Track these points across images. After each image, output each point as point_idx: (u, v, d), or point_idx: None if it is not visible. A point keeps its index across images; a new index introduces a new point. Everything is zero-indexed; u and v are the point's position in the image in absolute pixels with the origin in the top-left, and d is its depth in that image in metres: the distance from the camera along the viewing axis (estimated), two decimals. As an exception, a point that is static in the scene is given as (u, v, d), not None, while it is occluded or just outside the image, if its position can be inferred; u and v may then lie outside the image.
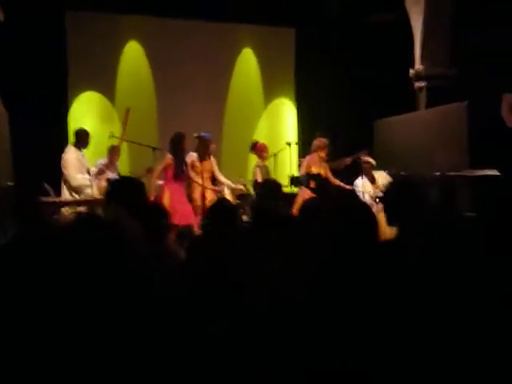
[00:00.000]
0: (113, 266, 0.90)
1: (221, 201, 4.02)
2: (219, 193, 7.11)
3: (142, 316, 0.89)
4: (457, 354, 1.72)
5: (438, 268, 1.89)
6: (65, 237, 0.93)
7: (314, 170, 7.23)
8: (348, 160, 7.69)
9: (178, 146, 6.74)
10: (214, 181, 7.22)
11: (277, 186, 4.47)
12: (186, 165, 6.78)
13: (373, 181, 7.45)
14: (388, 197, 2.89)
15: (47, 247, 0.91)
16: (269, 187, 4.53)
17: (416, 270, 1.92)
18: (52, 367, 0.85)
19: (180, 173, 6.73)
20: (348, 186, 7.41)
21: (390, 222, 2.82)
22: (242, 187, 7.28)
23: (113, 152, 7.22)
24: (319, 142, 7.28)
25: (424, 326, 1.74)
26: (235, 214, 3.24)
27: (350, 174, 7.59)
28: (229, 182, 7.20)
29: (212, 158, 7.15)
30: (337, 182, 7.39)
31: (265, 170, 7.59)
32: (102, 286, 0.87)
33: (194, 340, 1.08)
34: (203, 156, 6.94)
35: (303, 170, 7.32)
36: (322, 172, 7.28)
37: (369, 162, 7.45)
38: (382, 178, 7.47)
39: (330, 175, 7.35)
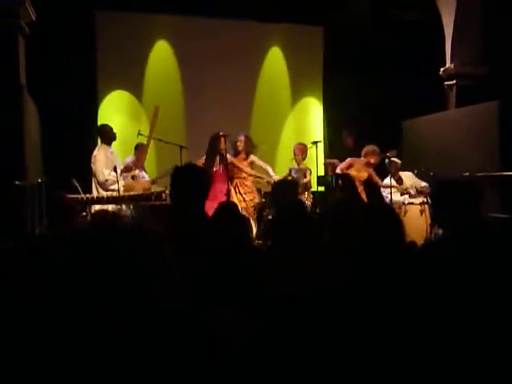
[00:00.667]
0: (124, 268, 0.90)
1: None
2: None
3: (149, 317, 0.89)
4: (496, 358, 1.68)
5: (469, 269, 1.86)
6: (78, 239, 0.93)
7: (353, 173, 7.20)
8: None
9: (211, 146, 6.76)
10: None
11: (291, 185, 4.46)
12: (226, 161, 6.73)
13: (400, 181, 7.37)
14: (439, 195, 2.80)
15: (62, 249, 0.92)
16: (282, 187, 4.53)
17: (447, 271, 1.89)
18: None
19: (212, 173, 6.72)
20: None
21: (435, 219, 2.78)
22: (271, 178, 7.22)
23: (140, 150, 7.32)
24: (371, 148, 7.26)
25: (457, 329, 1.70)
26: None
27: (378, 175, 7.52)
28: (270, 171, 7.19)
29: (251, 156, 7.14)
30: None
31: (297, 172, 7.59)
32: (110, 286, 0.87)
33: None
34: (235, 154, 7.00)
35: (339, 170, 7.30)
36: (365, 176, 7.24)
37: (394, 162, 7.37)
38: (409, 178, 7.38)
39: (376, 179, 7.32)
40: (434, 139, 7.94)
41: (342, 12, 9.11)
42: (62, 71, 7.77)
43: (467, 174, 6.70)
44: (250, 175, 7.06)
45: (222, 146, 6.69)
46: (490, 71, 7.80)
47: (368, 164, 7.25)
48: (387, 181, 7.37)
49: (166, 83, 9.09)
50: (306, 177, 7.53)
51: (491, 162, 6.76)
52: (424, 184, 7.18)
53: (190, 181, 2.86)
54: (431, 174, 6.96)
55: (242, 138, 7.13)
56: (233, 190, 6.94)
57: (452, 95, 8.23)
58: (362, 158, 7.28)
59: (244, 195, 6.88)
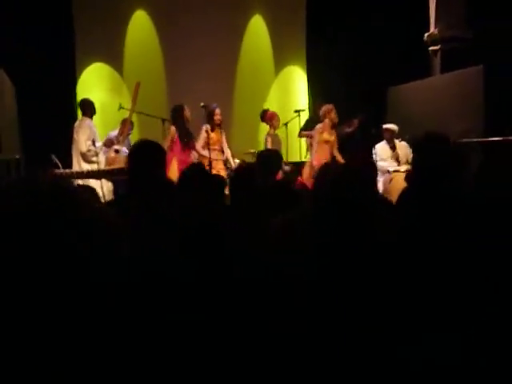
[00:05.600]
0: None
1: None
2: (228, 164, 7.03)
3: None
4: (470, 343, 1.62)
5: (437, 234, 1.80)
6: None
7: (327, 137, 7.09)
8: (346, 128, 7.58)
9: (179, 117, 6.67)
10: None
11: (276, 155, 4.40)
12: (191, 136, 6.69)
13: (393, 149, 7.31)
14: (419, 150, 2.65)
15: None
16: (268, 156, 4.46)
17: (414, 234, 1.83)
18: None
19: (186, 144, 6.66)
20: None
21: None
22: (238, 161, 7.14)
23: (124, 125, 7.18)
24: (325, 107, 7.14)
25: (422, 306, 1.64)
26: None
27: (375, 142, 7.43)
28: (229, 157, 7.08)
29: (221, 130, 7.02)
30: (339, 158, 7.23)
31: (276, 138, 7.48)
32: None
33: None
34: (212, 127, 6.84)
35: (317, 138, 7.20)
36: (333, 139, 7.14)
37: (388, 130, 7.30)
38: (403, 147, 7.31)
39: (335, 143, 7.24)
40: (419, 106, 7.87)
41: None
42: (37, 45, 7.55)
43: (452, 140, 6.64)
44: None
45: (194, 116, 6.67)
46: (475, 35, 7.70)
47: (332, 124, 7.12)
48: (377, 146, 7.30)
49: (147, 55, 8.90)
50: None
51: (477, 127, 6.71)
52: None
53: (146, 157, 2.82)
54: (406, 137, 6.94)
55: (218, 110, 6.97)
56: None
57: (437, 61, 8.14)
58: (325, 120, 7.12)
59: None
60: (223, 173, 6.67)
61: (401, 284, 1.70)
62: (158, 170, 2.83)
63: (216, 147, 6.86)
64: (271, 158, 4.51)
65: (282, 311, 1.63)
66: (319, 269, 1.76)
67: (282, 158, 4.91)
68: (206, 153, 6.63)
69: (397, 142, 7.34)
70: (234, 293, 1.61)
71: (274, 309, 1.62)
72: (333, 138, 7.15)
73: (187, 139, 6.68)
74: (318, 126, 7.18)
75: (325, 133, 7.09)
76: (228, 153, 7.03)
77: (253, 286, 1.66)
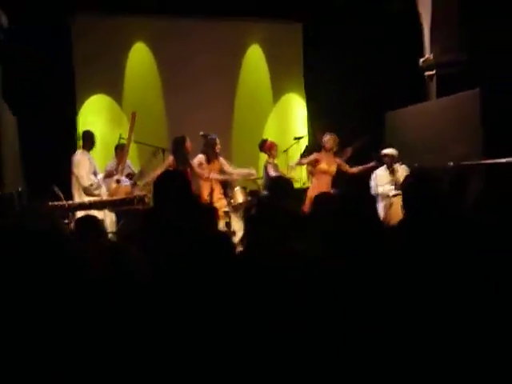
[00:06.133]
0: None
1: None
2: (229, 194, 7.06)
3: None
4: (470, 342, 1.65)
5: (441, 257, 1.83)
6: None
7: (324, 167, 7.11)
8: (349, 151, 7.61)
9: (179, 148, 6.72)
10: (225, 188, 7.16)
11: (288, 183, 4.40)
12: (191, 167, 6.72)
13: (392, 174, 7.31)
14: (406, 189, 2.84)
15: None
16: (280, 184, 4.45)
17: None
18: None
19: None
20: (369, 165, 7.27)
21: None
22: (253, 172, 7.17)
23: (120, 151, 7.22)
24: (323, 137, 7.18)
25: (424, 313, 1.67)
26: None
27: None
28: (241, 171, 7.10)
29: (221, 159, 7.06)
30: (354, 170, 7.27)
31: (276, 167, 7.51)
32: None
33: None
34: (210, 157, 6.88)
35: (305, 162, 7.24)
36: (333, 169, 7.15)
37: (386, 155, 7.31)
38: (403, 171, 7.33)
39: (346, 168, 7.25)
40: (416, 130, 7.92)
41: (320, 7, 9.07)
42: (38, 77, 7.64)
43: (451, 163, 6.69)
44: (231, 174, 7.02)
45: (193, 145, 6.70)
46: (470, 58, 7.79)
47: (333, 154, 7.15)
48: (380, 171, 7.32)
49: (146, 86, 9.00)
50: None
51: (475, 150, 6.74)
52: None
53: (171, 188, 2.87)
54: (415, 165, 6.93)
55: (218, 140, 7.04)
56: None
57: (432, 85, 8.22)
58: (328, 150, 7.17)
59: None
60: (223, 202, 6.73)
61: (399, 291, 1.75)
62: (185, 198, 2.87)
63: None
64: (282, 184, 4.48)
65: (284, 312, 1.66)
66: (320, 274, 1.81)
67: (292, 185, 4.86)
68: (208, 175, 6.68)
69: (397, 165, 7.36)
70: (238, 295, 1.64)
71: (276, 310, 1.65)
72: (332, 167, 7.15)
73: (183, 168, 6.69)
74: (314, 155, 7.21)
75: (322, 163, 7.11)
76: (234, 170, 7.04)
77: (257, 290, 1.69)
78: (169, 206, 2.81)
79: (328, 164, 7.08)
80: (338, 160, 7.20)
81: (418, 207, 2.58)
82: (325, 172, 7.07)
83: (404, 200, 2.74)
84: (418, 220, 2.48)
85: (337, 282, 1.80)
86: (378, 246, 2.10)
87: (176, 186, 2.90)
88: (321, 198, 3.46)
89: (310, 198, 6.80)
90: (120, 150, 7.23)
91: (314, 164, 7.13)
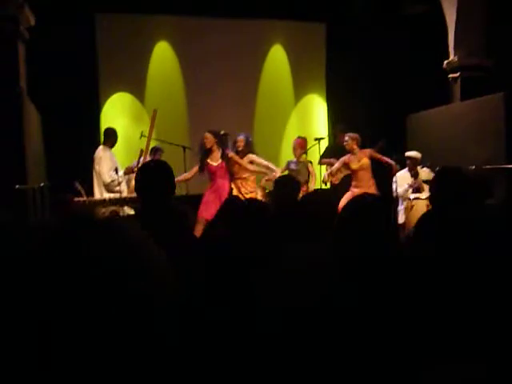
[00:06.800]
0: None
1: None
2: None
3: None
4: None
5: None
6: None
7: (353, 167, 7.12)
8: (381, 144, 7.56)
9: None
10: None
11: (294, 181, 4.37)
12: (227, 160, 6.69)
13: (415, 176, 7.28)
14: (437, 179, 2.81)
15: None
16: (285, 181, 4.44)
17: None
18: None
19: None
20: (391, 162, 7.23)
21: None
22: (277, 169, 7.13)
23: (143, 152, 7.27)
24: (353, 138, 7.17)
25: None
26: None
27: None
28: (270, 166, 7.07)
29: (249, 156, 7.01)
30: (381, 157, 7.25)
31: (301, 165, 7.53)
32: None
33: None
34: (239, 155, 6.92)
35: (335, 169, 7.24)
36: (366, 161, 7.13)
37: (410, 158, 7.28)
38: (425, 174, 7.28)
39: (378, 156, 7.22)
40: (439, 133, 7.86)
41: (344, 8, 9.04)
42: (63, 75, 7.75)
43: (473, 167, 6.62)
44: (253, 171, 6.97)
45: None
46: (495, 62, 7.70)
47: (359, 150, 7.14)
48: (402, 174, 7.28)
49: (168, 84, 9.06)
50: (308, 169, 7.47)
51: (498, 154, 6.67)
52: None
53: (155, 177, 2.91)
54: (437, 168, 6.84)
55: (241, 137, 7.04)
56: (235, 189, 6.88)
57: (456, 88, 8.13)
58: (350, 151, 7.16)
59: (245, 195, 6.80)
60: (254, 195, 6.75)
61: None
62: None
63: (240, 175, 6.93)
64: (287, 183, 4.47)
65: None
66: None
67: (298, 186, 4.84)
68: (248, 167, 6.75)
69: (419, 168, 7.31)
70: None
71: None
72: (362, 161, 7.11)
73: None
74: (341, 160, 7.22)
75: (352, 163, 7.13)
76: (267, 163, 7.03)
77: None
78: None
79: (358, 160, 7.10)
80: (367, 151, 7.18)
81: (447, 198, 2.54)
82: (358, 170, 7.10)
83: (431, 194, 2.69)
84: (443, 216, 2.44)
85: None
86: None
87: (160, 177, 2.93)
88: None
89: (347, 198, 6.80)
90: (141, 153, 7.26)
91: (347, 167, 7.18)
